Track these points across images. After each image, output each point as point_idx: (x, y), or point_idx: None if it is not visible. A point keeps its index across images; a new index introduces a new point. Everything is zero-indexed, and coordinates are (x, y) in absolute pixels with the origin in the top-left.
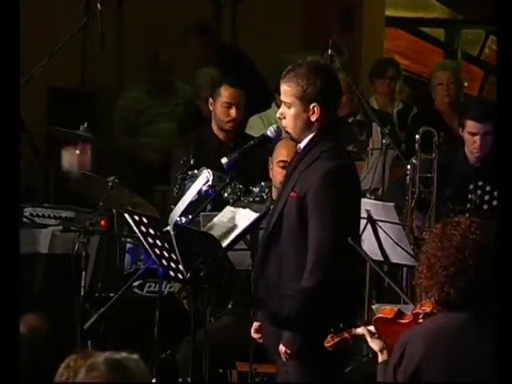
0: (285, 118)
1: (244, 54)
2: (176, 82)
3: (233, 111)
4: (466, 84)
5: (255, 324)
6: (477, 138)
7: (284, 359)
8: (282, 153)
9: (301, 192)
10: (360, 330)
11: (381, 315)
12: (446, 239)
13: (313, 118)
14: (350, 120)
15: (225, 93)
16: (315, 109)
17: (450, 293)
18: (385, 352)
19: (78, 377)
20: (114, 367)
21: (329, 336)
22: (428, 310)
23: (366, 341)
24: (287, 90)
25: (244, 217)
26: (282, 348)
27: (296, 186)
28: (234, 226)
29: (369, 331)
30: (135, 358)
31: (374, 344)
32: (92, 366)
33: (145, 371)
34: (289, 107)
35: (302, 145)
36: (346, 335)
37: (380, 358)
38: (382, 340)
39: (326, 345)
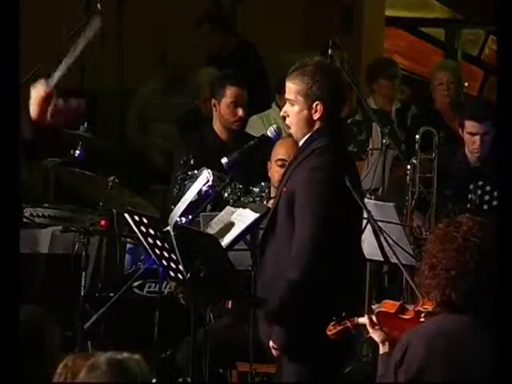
0: (288, 116)
1: (255, 51)
2: (190, 80)
3: (240, 110)
4: (466, 84)
5: None
6: (476, 138)
7: (275, 354)
8: (280, 151)
9: (290, 187)
10: (363, 320)
11: (383, 309)
12: (447, 241)
13: (315, 117)
14: (348, 120)
15: (229, 93)
16: (318, 107)
17: (450, 295)
18: (386, 344)
19: (79, 376)
20: (116, 367)
21: (331, 324)
22: (430, 308)
23: (367, 331)
24: (292, 87)
25: (244, 217)
26: (271, 343)
27: (288, 182)
28: (234, 226)
29: (371, 321)
30: (137, 358)
31: (376, 335)
32: (94, 365)
33: (147, 372)
34: (292, 104)
35: (300, 143)
36: (349, 324)
37: (381, 350)
38: (384, 332)
39: (328, 333)
